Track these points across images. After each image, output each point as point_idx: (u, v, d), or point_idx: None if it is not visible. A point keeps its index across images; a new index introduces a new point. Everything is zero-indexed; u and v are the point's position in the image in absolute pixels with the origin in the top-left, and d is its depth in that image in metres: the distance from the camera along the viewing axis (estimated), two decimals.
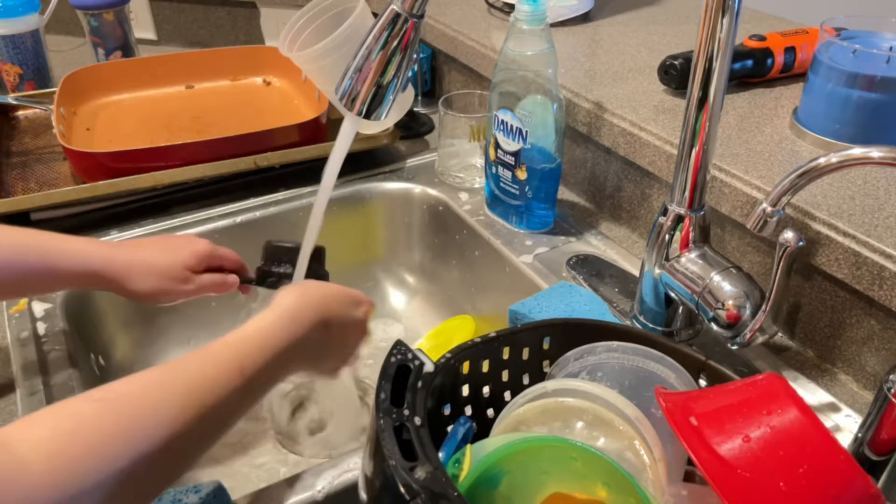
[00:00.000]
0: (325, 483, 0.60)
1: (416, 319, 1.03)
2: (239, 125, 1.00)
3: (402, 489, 0.39)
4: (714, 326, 0.66)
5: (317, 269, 0.74)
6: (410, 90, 0.86)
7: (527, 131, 0.82)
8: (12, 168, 0.98)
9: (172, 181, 0.92)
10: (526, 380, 0.58)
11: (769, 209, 0.57)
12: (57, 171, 0.97)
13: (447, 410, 0.54)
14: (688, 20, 1.12)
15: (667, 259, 0.69)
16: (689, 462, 0.51)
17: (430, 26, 1.14)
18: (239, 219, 0.94)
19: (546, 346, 0.58)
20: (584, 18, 1.12)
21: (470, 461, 0.46)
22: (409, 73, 0.69)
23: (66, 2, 1.19)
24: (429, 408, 0.47)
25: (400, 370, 0.46)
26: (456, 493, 0.39)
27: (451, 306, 1.01)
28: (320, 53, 0.76)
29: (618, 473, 0.45)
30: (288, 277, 0.74)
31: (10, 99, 1.07)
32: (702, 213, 0.68)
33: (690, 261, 0.68)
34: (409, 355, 0.47)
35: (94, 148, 0.99)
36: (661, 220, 0.69)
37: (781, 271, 0.60)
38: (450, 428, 0.51)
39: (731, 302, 0.64)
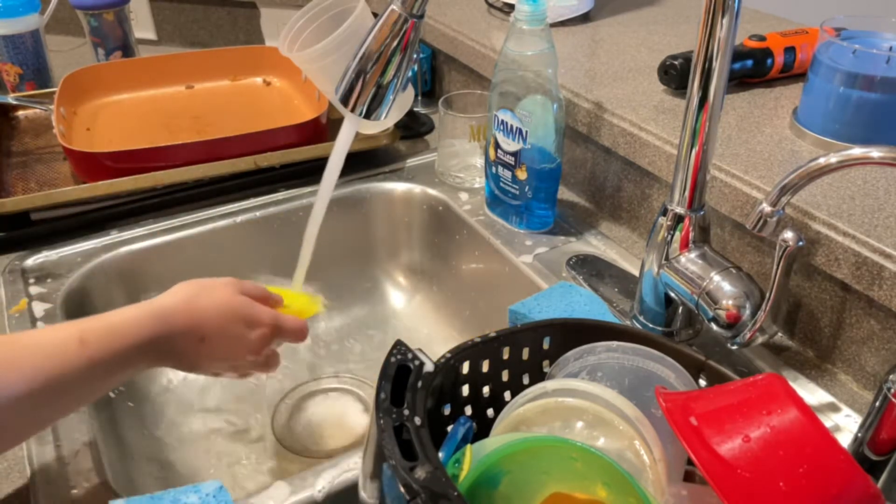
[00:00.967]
0: (325, 483, 0.60)
1: (415, 319, 1.03)
2: (239, 125, 1.00)
3: (402, 489, 0.39)
4: (714, 326, 0.66)
5: None
6: (410, 90, 0.86)
7: (527, 131, 0.82)
8: (12, 168, 0.98)
9: (172, 181, 0.92)
10: (526, 380, 0.58)
11: (769, 209, 0.57)
12: (57, 171, 0.97)
13: (447, 410, 0.54)
14: (688, 20, 1.12)
15: (667, 259, 0.69)
16: (689, 462, 0.51)
17: (430, 26, 1.14)
18: (239, 219, 0.94)
19: (546, 346, 0.58)
20: (584, 18, 1.12)
21: (470, 461, 0.46)
22: (409, 73, 0.69)
23: (66, 2, 1.19)
24: (429, 408, 0.47)
25: (400, 370, 0.46)
26: (456, 493, 0.39)
27: (450, 306, 1.01)
28: (320, 53, 0.76)
29: (618, 473, 0.45)
30: None
31: (11, 99, 1.07)
32: (702, 213, 0.68)
33: (690, 261, 0.68)
34: (409, 355, 0.47)
35: (95, 148, 0.99)
36: (661, 220, 0.69)
37: (781, 271, 0.60)
38: (450, 428, 0.51)
39: (730, 302, 0.64)
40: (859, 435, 0.57)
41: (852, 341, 0.68)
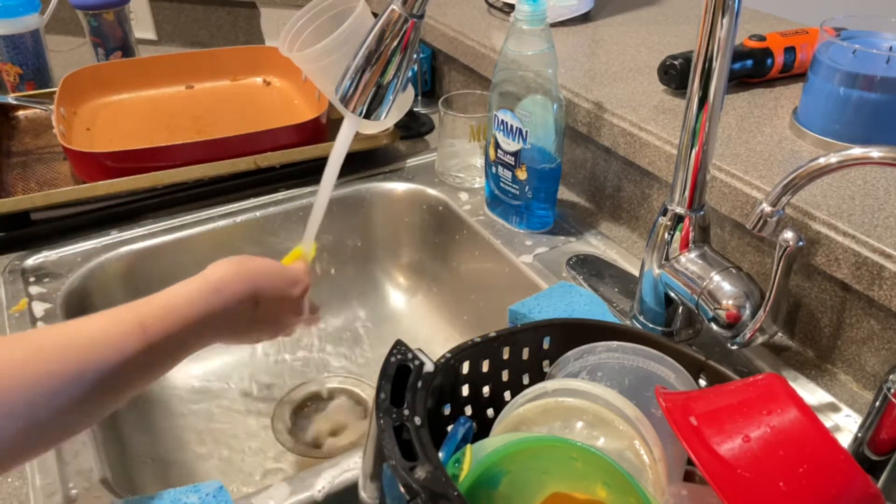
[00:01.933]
0: (325, 483, 0.60)
1: (415, 319, 1.03)
2: (239, 125, 1.00)
3: (402, 489, 0.39)
4: (714, 326, 0.66)
5: None
6: (410, 90, 0.86)
7: (527, 131, 0.82)
8: (12, 168, 0.98)
9: (172, 181, 0.92)
10: (526, 380, 0.58)
11: (769, 209, 0.57)
12: (57, 171, 0.97)
13: (447, 410, 0.54)
14: (688, 20, 1.12)
15: (667, 259, 0.69)
16: (689, 462, 0.51)
17: (430, 26, 1.14)
18: (239, 219, 0.94)
19: (546, 346, 0.58)
20: (584, 18, 1.12)
21: (470, 461, 0.46)
22: (409, 73, 0.69)
23: (66, 2, 1.19)
24: (429, 408, 0.47)
25: (400, 370, 0.46)
26: (456, 493, 0.39)
27: (450, 306, 1.01)
28: (320, 53, 0.76)
29: (618, 473, 0.45)
30: None
31: (11, 99, 1.07)
32: (702, 213, 0.68)
33: (690, 261, 0.68)
34: (409, 355, 0.47)
35: (95, 148, 0.99)
36: (661, 220, 0.69)
37: (781, 271, 0.60)
38: (450, 428, 0.51)
39: (731, 302, 0.64)
40: (859, 435, 0.57)
41: (852, 341, 0.68)
